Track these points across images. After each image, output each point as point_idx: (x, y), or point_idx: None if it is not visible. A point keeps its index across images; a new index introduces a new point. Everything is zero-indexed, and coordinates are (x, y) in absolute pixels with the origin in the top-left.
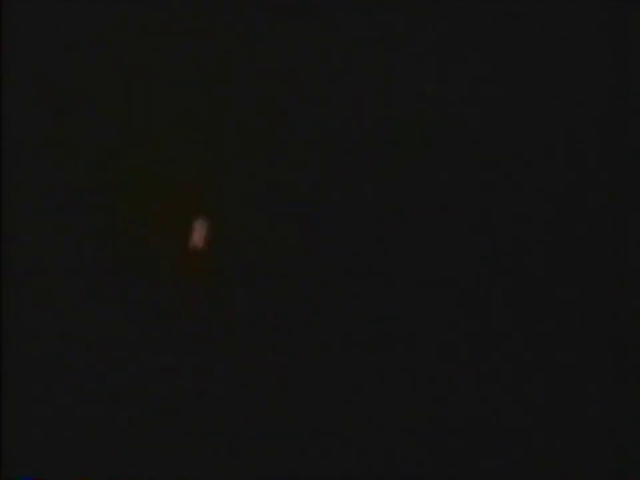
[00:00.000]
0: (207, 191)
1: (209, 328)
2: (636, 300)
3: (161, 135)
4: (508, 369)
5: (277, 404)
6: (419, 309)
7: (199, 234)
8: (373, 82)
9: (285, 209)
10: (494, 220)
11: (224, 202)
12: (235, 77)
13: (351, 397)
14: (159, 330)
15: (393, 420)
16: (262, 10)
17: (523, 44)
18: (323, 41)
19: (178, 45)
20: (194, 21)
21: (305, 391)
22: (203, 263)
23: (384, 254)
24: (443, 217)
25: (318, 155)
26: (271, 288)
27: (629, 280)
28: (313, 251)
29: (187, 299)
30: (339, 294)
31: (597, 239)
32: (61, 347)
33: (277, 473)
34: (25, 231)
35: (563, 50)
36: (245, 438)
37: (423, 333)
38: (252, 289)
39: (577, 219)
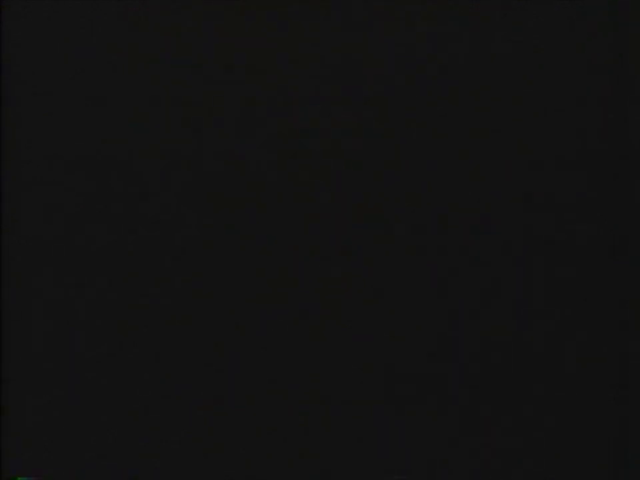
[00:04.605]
0: (206, 190)
1: (209, 328)
2: (635, 300)
3: (161, 135)
4: (509, 371)
5: (273, 404)
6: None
7: None
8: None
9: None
10: (493, 221)
11: (220, 201)
12: (236, 74)
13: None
14: (159, 330)
15: (390, 420)
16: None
17: (522, 44)
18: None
19: (178, 44)
20: (194, 20)
21: (302, 392)
22: (199, 261)
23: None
24: (440, 217)
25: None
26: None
27: (629, 279)
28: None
29: (186, 298)
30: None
31: (596, 238)
32: (60, 348)
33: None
34: (25, 232)
35: (562, 50)
36: (243, 437)
37: (422, 333)
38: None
39: (577, 219)
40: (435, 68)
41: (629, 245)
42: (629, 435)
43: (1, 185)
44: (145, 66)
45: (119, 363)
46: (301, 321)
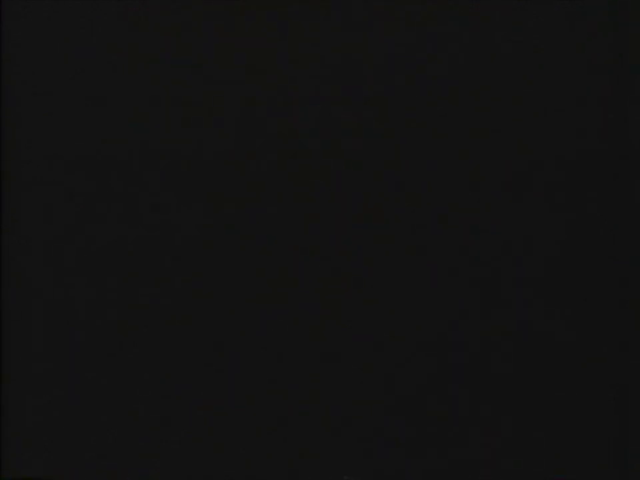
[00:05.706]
0: (206, 190)
1: (209, 328)
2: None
3: (161, 135)
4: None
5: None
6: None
7: None
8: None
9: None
10: (493, 221)
11: (220, 201)
12: (237, 74)
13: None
14: (159, 330)
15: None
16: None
17: (522, 44)
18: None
19: (178, 44)
20: (194, 20)
21: (304, 392)
22: (199, 261)
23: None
24: (440, 217)
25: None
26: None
27: (629, 281)
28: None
29: (186, 298)
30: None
31: (596, 238)
32: (60, 348)
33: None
34: (26, 232)
35: (562, 50)
36: (243, 437)
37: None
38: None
39: (577, 219)
40: (435, 68)
41: (629, 245)
42: (629, 435)
43: (1, 185)
44: (145, 66)
45: (119, 363)
46: (301, 321)
